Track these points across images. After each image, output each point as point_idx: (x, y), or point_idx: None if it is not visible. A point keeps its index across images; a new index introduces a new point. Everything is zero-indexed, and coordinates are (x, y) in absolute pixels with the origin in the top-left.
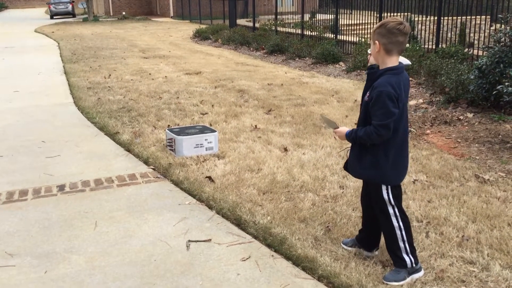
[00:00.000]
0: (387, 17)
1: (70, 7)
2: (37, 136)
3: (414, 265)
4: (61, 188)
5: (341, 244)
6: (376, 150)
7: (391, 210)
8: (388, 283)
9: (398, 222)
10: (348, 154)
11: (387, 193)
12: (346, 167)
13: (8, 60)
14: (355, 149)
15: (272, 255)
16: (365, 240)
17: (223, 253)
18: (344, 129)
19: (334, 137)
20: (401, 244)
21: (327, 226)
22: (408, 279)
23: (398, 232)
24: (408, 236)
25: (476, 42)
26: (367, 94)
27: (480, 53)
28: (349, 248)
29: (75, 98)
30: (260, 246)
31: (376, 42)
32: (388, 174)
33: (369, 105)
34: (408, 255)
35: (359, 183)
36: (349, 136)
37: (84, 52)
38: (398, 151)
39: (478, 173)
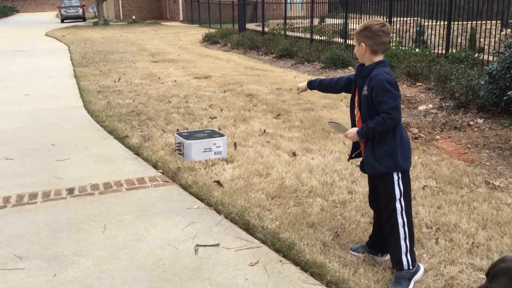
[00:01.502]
0: (396, 22)
1: (80, 11)
2: (47, 139)
3: (410, 267)
4: (71, 191)
5: (349, 250)
6: (386, 139)
7: (398, 206)
8: None
9: (403, 218)
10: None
11: (398, 182)
12: (363, 168)
13: (19, 63)
14: (368, 146)
15: (281, 260)
16: (376, 245)
17: (231, 257)
18: (354, 129)
19: (344, 142)
20: (403, 242)
21: (336, 232)
22: (412, 285)
23: (401, 229)
24: (410, 234)
25: (486, 47)
26: (365, 88)
27: (491, 58)
28: (358, 254)
29: (85, 102)
30: (268, 251)
31: (362, 44)
32: (401, 158)
33: (370, 98)
34: (406, 255)
35: (368, 188)
36: (361, 132)
37: (94, 56)
38: (402, 133)
39: (488, 179)
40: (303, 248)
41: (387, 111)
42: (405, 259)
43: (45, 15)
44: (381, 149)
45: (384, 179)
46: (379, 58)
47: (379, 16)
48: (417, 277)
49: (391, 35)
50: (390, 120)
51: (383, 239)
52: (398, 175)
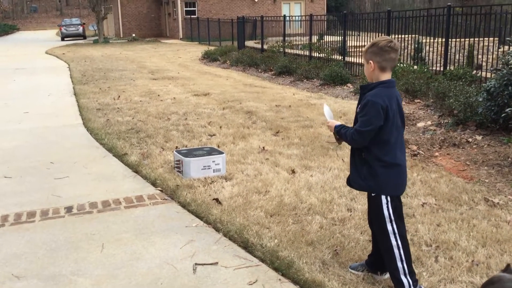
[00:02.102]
0: (394, 39)
1: (81, 29)
2: (46, 157)
3: (411, 287)
4: (69, 209)
5: (349, 269)
6: (372, 160)
7: (389, 228)
8: None
9: (396, 241)
10: (335, 148)
11: (387, 205)
12: (349, 182)
13: (19, 81)
14: (354, 161)
15: (279, 279)
16: (375, 263)
17: (229, 276)
18: (336, 122)
19: (342, 159)
20: (399, 264)
21: (335, 250)
22: None
23: (396, 251)
24: (406, 256)
25: (484, 64)
26: (359, 105)
27: (489, 75)
28: (357, 273)
29: (84, 119)
30: (267, 269)
31: (370, 61)
32: (386, 183)
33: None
34: (406, 276)
35: (367, 206)
36: (337, 128)
37: (94, 74)
38: (393, 159)
39: (488, 196)
40: (302, 267)
41: (354, 131)
42: (405, 280)
43: (46, 33)
44: (364, 168)
45: (373, 200)
46: (387, 76)
47: (377, 33)
48: None
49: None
50: (351, 139)
51: (381, 257)
52: (386, 198)
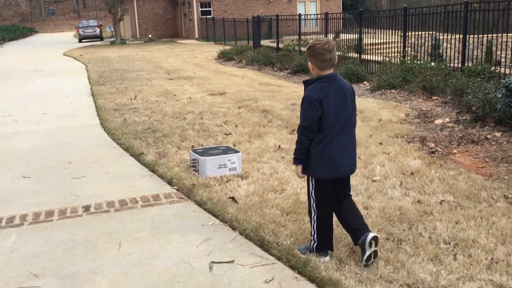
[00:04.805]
0: (411, 36)
1: (98, 30)
2: (64, 157)
3: (314, 249)
4: (87, 208)
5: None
6: (311, 146)
7: (312, 202)
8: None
9: (314, 215)
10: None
11: (312, 186)
12: None
13: (37, 83)
14: None
15: (296, 277)
16: (353, 238)
17: (246, 274)
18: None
19: (359, 157)
20: (312, 231)
21: (352, 248)
22: (305, 256)
23: (313, 222)
24: (318, 229)
25: (503, 60)
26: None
27: (507, 71)
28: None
29: (101, 120)
30: (283, 267)
31: (309, 62)
32: (315, 167)
33: None
34: (314, 239)
35: (383, 204)
36: (293, 161)
37: (111, 75)
38: (325, 150)
39: (507, 193)
40: (319, 265)
41: (299, 128)
42: (312, 240)
43: (63, 35)
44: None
45: (306, 182)
46: (328, 72)
47: (393, 31)
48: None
49: (336, 51)
50: (299, 135)
51: (349, 231)
52: (313, 183)
